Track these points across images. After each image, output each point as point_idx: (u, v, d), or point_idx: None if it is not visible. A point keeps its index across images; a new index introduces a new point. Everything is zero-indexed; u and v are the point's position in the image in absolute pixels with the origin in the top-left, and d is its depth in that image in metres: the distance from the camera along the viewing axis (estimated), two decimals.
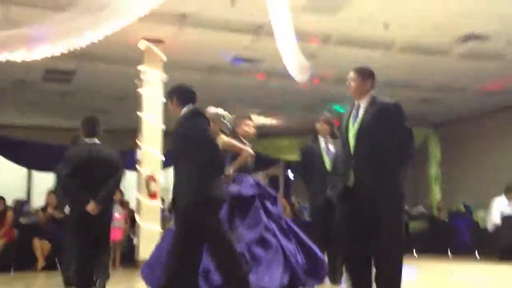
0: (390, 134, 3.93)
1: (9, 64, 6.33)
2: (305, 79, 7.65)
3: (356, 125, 4.00)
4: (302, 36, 6.78)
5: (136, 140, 8.08)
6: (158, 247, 4.99)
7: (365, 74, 4.14)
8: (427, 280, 6.77)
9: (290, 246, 4.95)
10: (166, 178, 9.12)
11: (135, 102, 8.09)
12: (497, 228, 9.44)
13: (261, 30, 7.31)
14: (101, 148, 5.41)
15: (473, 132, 12.73)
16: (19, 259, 9.06)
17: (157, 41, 7.65)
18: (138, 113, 7.97)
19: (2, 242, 9.07)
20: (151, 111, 7.95)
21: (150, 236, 7.52)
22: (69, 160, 5.30)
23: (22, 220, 10.05)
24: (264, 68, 8.92)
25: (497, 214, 9.47)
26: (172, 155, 4.26)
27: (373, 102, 4.05)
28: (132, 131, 8.40)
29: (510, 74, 9.51)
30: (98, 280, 5.36)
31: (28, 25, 5.44)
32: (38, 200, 11.43)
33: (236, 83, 9.60)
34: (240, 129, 5.53)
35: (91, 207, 5.06)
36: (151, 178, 7.76)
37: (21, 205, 10.88)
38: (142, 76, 7.71)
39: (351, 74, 4.15)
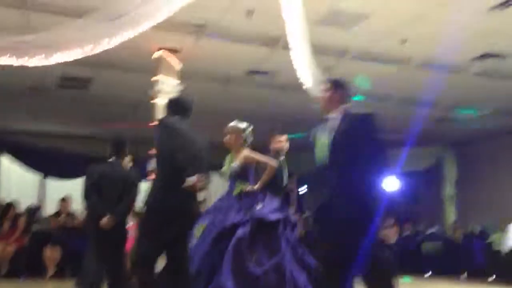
0: (358, 146, 3.70)
1: (25, 69, 6.38)
2: (320, 92, 7.61)
3: (326, 138, 3.84)
4: (318, 50, 6.75)
5: (149, 152, 8.04)
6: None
7: (337, 85, 3.95)
8: None
9: (302, 278, 4.91)
10: None
11: (150, 111, 8.08)
12: None
13: (277, 42, 7.29)
14: (120, 167, 5.74)
15: (490, 152, 12.56)
16: (29, 266, 9.07)
17: (173, 50, 7.66)
18: (152, 123, 7.96)
19: (12, 248, 9.10)
20: None
21: None
22: (89, 174, 5.76)
23: (34, 227, 10.08)
24: (279, 81, 8.89)
25: None
26: None
27: (344, 114, 3.84)
28: (147, 140, 8.38)
29: None
30: None
31: (46, 31, 5.47)
32: (51, 207, 11.45)
33: (252, 95, 9.58)
34: (273, 146, 5.60)
35: (104, 222, 5.28)
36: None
37: (33, 212, 10.90)
38: (157, 85, 7.71)
39: (322, 86, 3.97)
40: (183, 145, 4.31)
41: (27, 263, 9.10)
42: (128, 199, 5.56)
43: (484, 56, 7.82)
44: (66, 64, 6.28)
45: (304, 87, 6.93)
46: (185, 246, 4.48)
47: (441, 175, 13.28)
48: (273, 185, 5.48)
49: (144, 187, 5.67)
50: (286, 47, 6.68)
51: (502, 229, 9.98)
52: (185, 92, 7.79)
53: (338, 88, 3.89)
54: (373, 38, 7.34)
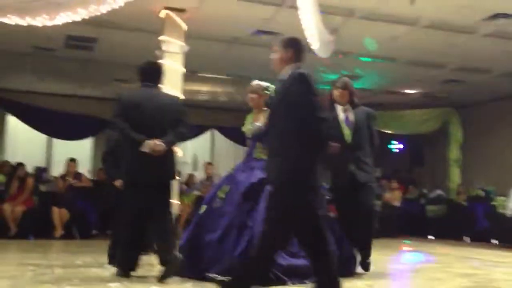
0: (290, 108, 3.55)
1: (30, 29, 6.34)
2: (328, 54, 7.53)
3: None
4: (325, 9, 6.66)
5: None
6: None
7: (287, 44, 3.80)
8: (436, 265, 6.70)
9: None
10: (183, 151, 9.13)
11: None
12: None
13: (283, 2, 7.19)
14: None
15: (497, 116, 12.49)
16: (37, 226, 9.18)
17: (179, 10, 7.57)
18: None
19: (21, 209, 9.19)
20: (171, 82, 7.89)
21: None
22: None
23: (41, 187, 10.17)
24: None
25: None
26: None
27: (289, 74, 3.66)
28: None
29: None
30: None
31: None
32: (58, 168, 11.54)
33: (256, 55, 9.50)
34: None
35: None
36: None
37: (40, 173, 10.99)
38: (162, 46, 7.64)
39: (274, 47, 3.85)
40: (121, 113, 4.68)
41: (35, 223, 9.21)
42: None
43: (494, 17, 7.69)
44: (71, 24, 6.24)
45: (311, 47, 6.87)
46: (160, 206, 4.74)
47: (446, 138, 13.24)
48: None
49: None
50: (293, 6, 6.60)
51: (506, 193, 9.98)
52: (190, 53, 7.76)
53: (288, 47, 3.78)
54: None
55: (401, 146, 14.41)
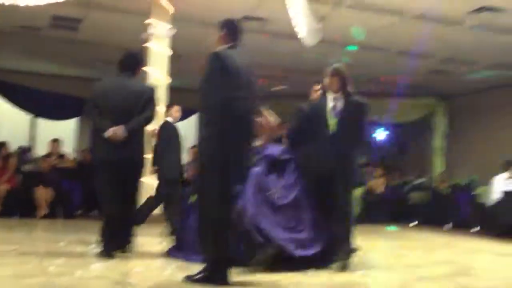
0: (206, 86, 3.79)
1: (15, 8, 6.29)
2: (315, 42, 7.56)
3: None
4: None
5: None
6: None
7: (223, 25, 4.00)
8: (417, 252, 6.81)
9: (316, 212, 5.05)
10: None
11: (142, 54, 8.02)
12: (497, 204, 9.37)
13: None
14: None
15: (481, 106, 12.62)
16: (21, 206, 9.15)
17: None
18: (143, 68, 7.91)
19: (5, 187, 9.15)
20: (157, 65, 7.87)
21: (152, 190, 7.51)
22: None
23: (25, 167, 10.11)
24: (272, 28, 8.79)
25: (498, 191, 9.39)
26: None
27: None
28: None
29: None
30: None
31: None
32: (42, 148, 11.48)
33: (244, 41, 9.49)
34: (311, 96, 5.48)
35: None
36: (154, 133, 7.75)
37: (24, 152, 10.91)
38: (149, 29, 7.61)
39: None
40: (91, 99, 4.99)
41: (19, 203, 9.18)
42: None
43: (480, 10, 7.76)
44: (57, 4, 6.19)
45: (298, 35, 6.89)
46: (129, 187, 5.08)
47: (431, 127, 13.37)
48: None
49: None
50: None
51: (488, 182, 10.12)
52: (177, 36, 7.73)
53: (223, 27, 3.97)
54: None
55: (386, 133, 14.50)
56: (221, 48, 3.87)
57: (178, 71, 8.49)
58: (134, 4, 7.68)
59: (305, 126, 5.15)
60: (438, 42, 9.25)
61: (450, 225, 10.71)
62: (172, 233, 5.85)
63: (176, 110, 6.88)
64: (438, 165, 13.17)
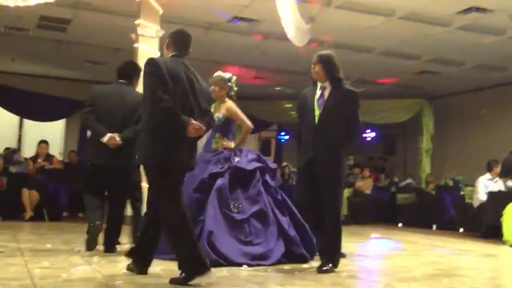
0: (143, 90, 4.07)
1: (2, 9, 6.23)
2: (303, 42, 7.57)
3: None
4: None
5: None
6: None
7: (169, 35, 4.26)
8: (403, 252, 6.84)
9: (284, 220, 5.16)
10: None
11: (131, 55, 7.98)
12: (482, 205, 9.42)
13: None
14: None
15: (468, 107, 12.72)
16: (7, 208, 9.08)
17: None
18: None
19: None
20: None
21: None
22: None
23: (12, 169, 10.04)
24: (262, 29, 8.80)
25: (483, 192, 9.44)
26: None
27: None
28: None
29: (509, 50, 9.45)
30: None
31: None
32: (29, 150, 11.40)
33: (233, 42, 9.49)
34: None
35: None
36: None
37: (11, 154, 10.83)
38: (138, 30, 7.57)
39: None
40: (90, 104, 5.21)
41: (5, 205, 9.10)
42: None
43: (468, 10, 7.81)
44: (45, 4, 6.15)
45: (287, 35, 6.89)
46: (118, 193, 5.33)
47: (418, 128, 13.44)
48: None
49: None
50: None
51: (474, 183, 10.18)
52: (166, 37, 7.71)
53: (169, 37, 4.22)
54: None
55: (373, 134, 14.55)
56: (167, 55, 4.13)
57: None
58: (123, 5, 7.65)
59: (300, 118, 4.88)
60: (425, 43, 9.30)
61: (436, 225, 10.78)
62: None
63: None
64: (425, 166, 13.23)
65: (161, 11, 7.70)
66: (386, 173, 13.61)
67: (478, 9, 7.75)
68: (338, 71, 4.68)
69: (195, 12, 8.16)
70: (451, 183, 11.65)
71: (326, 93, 4.65)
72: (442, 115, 13.20)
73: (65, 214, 9.85)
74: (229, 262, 4.62)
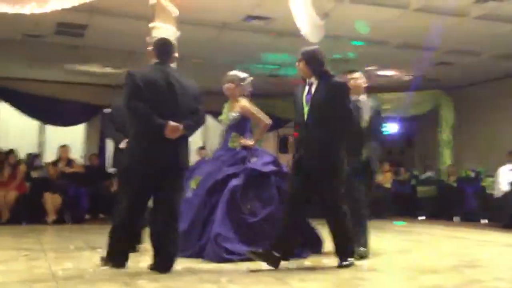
0: None
1: (19, 16, 6.32)
2: (318, 38, 7.54)
3: None
4: None
5: None
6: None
7: (153, 43, 4.71)
8: (425, 245, 6.80)
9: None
10: None
11: (148, 58, 8.04)
12: (505, 195, 9.32)
13: None
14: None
15: (487, 98, 12.56)
16: (30, 212, 9.22)
17: None
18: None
19: (14, 194, 9.23)
20: None
21: None
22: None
23: (33, 173, 10.20)
24: (276, 26, 8.79)
25: (505, 182, 9.34)
26: None
27: None
28: None
29: None
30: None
31: None
32: (50, 154, 11.54)
33: (248, 41, 9.49)
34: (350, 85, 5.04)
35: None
36: None
37: (32, 159, 11.00)
38: (153, 32, 7.62)
39: None
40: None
41: (28, 209, 9.25)
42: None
43: (485, 0, 7.72)
44: (62, 10, 6.22)
45: (301, 32, 6.89)
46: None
47: (438, 120, 13.31)
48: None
49: None
50: None
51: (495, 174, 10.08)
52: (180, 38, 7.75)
53: (152, 46, 4.66)
54: None
55: (396, 127, 14.35)
56: (151, 62, 4.39)
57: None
58: (138, 8, 7.70)
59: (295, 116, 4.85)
60: (443, 34, 9.20)
61: (458, 218, 10.69)
62: None
63: None
64: (446, 158, 13.09)
65: (176, 13, 7.73)
66: (404, 166, 13.50)
67: None
68: (323, 65, 4.64)
69: (209, 11, 8.17)
70: (472, 174, 11.54)
71: (313, 89, 4.62)
72: (460, 106, 13.06)
73: (87, 216, 9.98)
74: (241, 256, 4.66)
